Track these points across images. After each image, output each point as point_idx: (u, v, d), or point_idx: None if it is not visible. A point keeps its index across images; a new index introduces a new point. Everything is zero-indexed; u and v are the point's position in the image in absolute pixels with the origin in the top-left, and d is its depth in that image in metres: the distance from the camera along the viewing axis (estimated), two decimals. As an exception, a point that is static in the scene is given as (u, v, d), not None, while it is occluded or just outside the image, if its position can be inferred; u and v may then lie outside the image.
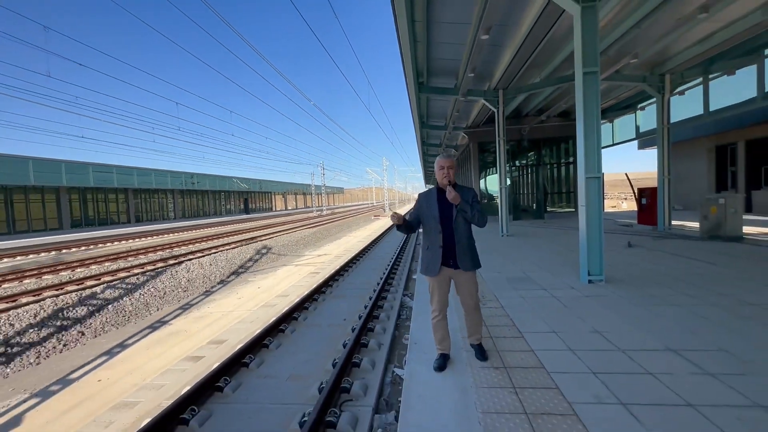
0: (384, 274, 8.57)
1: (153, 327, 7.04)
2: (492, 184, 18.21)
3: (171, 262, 12.24)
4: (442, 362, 3.23)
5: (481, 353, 3.23)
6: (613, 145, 17.19)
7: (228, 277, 11.53)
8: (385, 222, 32.49)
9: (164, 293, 9.23)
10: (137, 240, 19.55)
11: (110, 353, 5.79)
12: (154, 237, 21.11)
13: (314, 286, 8.24)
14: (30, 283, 9.38)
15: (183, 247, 16.56)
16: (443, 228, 3.06)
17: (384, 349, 4.70)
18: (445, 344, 3.28)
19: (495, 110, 10.62)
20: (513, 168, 17.33)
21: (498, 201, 12.82)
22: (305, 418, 3.27)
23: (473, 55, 8.26)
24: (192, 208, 39.75)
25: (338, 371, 3.85)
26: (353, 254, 12.50)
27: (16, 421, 3.97)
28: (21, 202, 23.24)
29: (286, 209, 67.24)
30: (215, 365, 4.53)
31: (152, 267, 11.35)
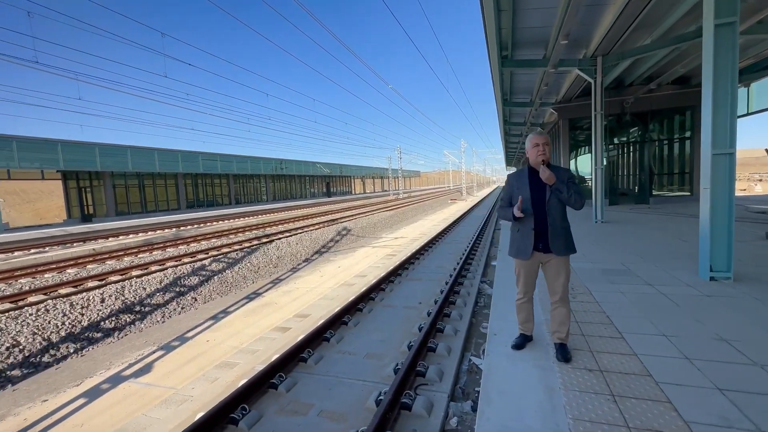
0: (461, 259, 8.33)
1: (249, 298, 7.88)
2: (584, 164, 16.34)
3: (264, 240, 13.51)
4: (522, 342, 3.13)
5: (563, 354, 2.93)
6: (748, 114, 14.05)
7: (312, 255, 12.33)
8: (462, 206, 31.57)
9: (258, 268, 10.25)
10: (236, 220, 21.95)
11: (215, 318, 6.64)
12: (250, 217, 23.52)
13: (391, 268, 8.36)
14: (157, 255, 11.14)
15: (273, 227, 18.14)
16: (535, 210, 2.87)
17: (460, 335, 4.57)
18: (528, 326, 3.15)
19: (591, 81, 9.37)
20: (611, 146, 15.30)
21: (591, 183, 11.46)
22: (381, 397, 3.34)
23: (567, 18, 7.31)
24: (281, 192, 43.32)
25: (414, 354, 3.85)
26: (429, 238, 12.38)
27: (148, 368, 4.78)
28: (149, 187, 27.72)
29: (364, 192, 69.41)
30: (300, 337, 4.88)
31: (249, 244, 12.67)
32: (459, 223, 17.11)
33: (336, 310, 5.60)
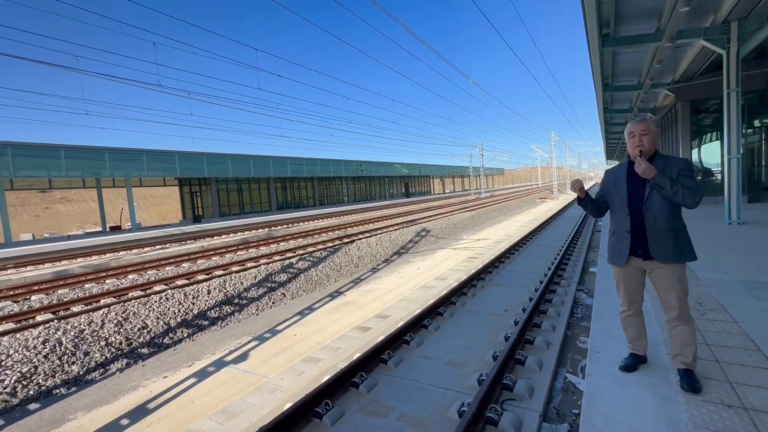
0: (553, 264, 7.67)
1: (332, 296, 8.31)
2: (710, 154, 13.82)
3: (345, 240, 14.15)
4: (632, 362, 2.73)
5: (689, 382, 2.47)
6: None
7: (391, 256, 12.53)
8: (553, 205, 29.25)
9: (340, 267, 10.76)
10: (320, 220, 23.38)
11: (302, 314, 7.13)
12: (333, 218, 24.85)
13: (473, 271, 8.07)
14: (252, 252, 12.39)
15: (354, 228, 18.91)
16: (631, 208, 2.53)
17: (553, 349, 4.18)
18: (639, 344, 2.73)
19: (723, 52, 7.86)
20: (750, 130, 12.68)
21: (721, 176, 9.56)
22: (464, 408, 3.21)
23: (690, -21, 6.23)
24: (361, 193, 45.03)
25: (500, 365, 3.63)
26: (515, 240, 11.69)
27: (245, 356, 5.32)
28: (246, 190, 31.09)
29: (443, 192, 68.61)
30: (380, 338, 4.97)
31: (331, 244, 13.38)
32: (550, 224, 15.86)
33: (416, 313, 5.58)
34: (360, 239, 14.09)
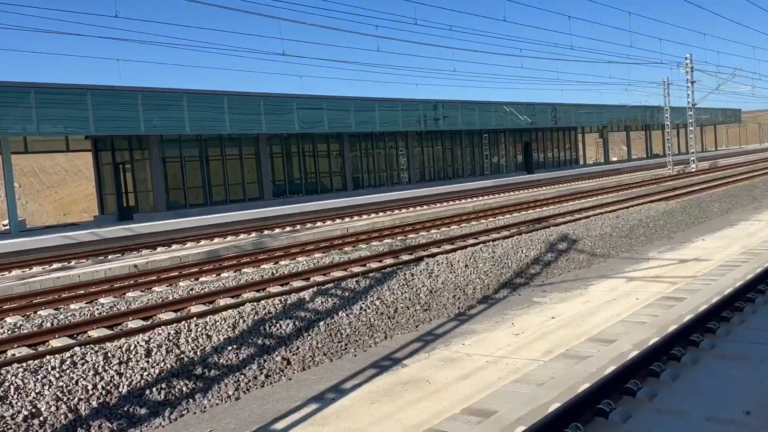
0: None
1: (378, 366, 8.32)
2: None
3: (404, 257, 14.21)
4: None
5: None
6: None
7: (496, 290, 12.39)
8: None
9: (395, 310, 10.80)
10: (355, 218, 23.81)
11: (322, 400, 7.22)
12: (378, 214, 25.10)
13: (672, 328, 7.73)
14: (228, 279, 12.88)
15: (421, 233, 18.94)
16: None
17: None
18: None
19: None
20: None
21: None
22: None
23: None
24: (435, 165, 45.04)
25: None
26: (767, 263, 11.02)
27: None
28: (216, 159, 32.52)
29: (606, 162, 66.67)
30: (477, 457, 4.85)
31: (377, 264, 13.52)
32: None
33: (551, 410, 5.39)
34: (432, 255, 14.16)
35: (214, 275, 13.91)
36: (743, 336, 7.27)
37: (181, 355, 8.43)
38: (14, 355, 8.13)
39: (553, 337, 8.50)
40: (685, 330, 7.18)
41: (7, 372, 7.46)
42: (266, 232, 21.70)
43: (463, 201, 29.52)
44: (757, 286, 9.40)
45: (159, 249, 18.56)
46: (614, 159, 74.38)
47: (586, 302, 10.62)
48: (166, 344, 8.58)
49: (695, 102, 42.25)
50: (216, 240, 20.18)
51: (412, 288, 11.89)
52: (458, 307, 11.40)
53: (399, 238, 18.25)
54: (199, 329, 9.13)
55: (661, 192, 27.14)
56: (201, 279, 13.51)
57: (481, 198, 29.90)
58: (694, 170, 41.17)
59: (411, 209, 26.97)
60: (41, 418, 6.81)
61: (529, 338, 8.61)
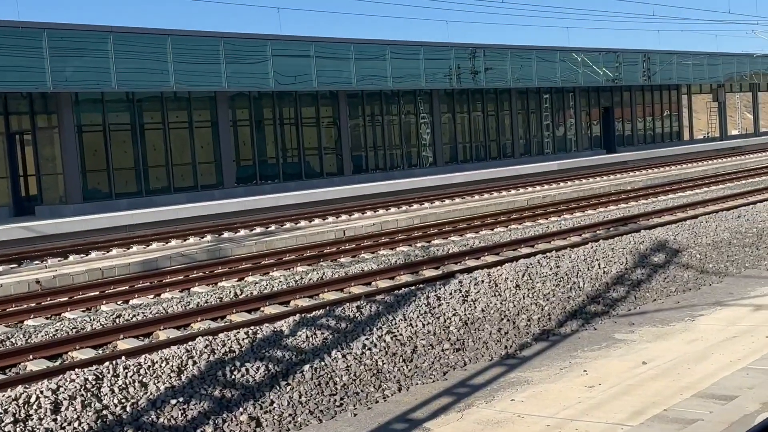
0: None
1: (390, 431, 8.32)
2: None
3: (426, 272, 14.15)
4: None
5: None
6: None
7: (561, 323, 12.38)
8: None
9: (413, 349, 10.79)
10: (356, 216, 23.75)
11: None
12: (391, 209, 25.01)
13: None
14: (170, 302, 12.93)
15: (450, 237, 18.86)
16: None
17: None
18: None
19: None
20: None
21: None
22: None
23: None
24: (469, 140, 44.85)
25: None
26: None
27: None
28: (154, 130, 32.56)
29: (721, 136, 66.14)
30: None
31: (384, 284, 13.45)
32: None
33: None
34: (469, 271, 14.14)
35: (152, 296, 13.88)
36: None
37: (104, 412, 8.42)
38: None
39: (645, 390, 8.45)
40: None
41: None
42: (227, 234, 21.69)
43: (514, 192, 29.40)
44: None
45: (72, 257, 18.58)
46: (734, 132, 73.89)
47: (693, 341, 10.56)
48: (82, 395, 8.58)
49: None
50: (154, 245, 20.19)
51: (439, 318, 11.85)
52: (505, 346, 11.33)
53: (419, 244, 18.19)
54: (129, 374, 9.12)
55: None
56: (132, 302, 13.48)
57: (539, 188, 29.82)
58: None
59: (437, 203, 26.87)
60: None
61: (609, 392, 8.56)
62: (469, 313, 12.19)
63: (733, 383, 8.32)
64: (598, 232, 18.39)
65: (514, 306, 12.73)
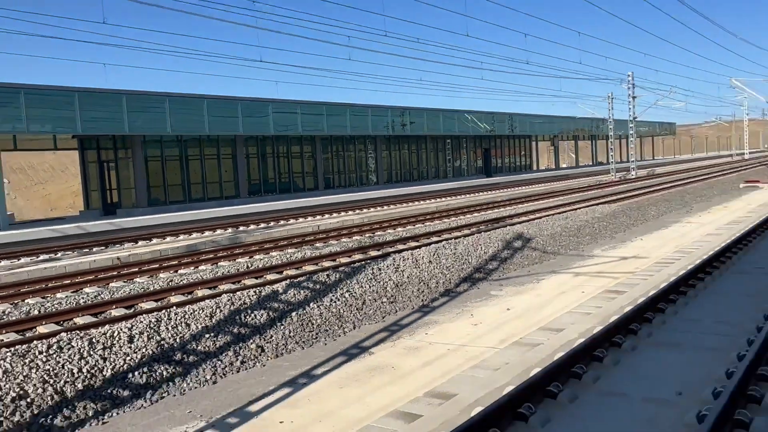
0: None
1: (348, 354, 8.37)
2: None
3: (372, 253, 14.24)
4: None
5: None
6: None
7: (457, 285, 12.50)
8: (773, 195, 28.09)
9: (363, 302, 10.84)
10: (326, 216, 23.75)
11: (294, 384, 7.24)
12: (349, 213, 25.10)
13: (613, 318, 7.91)
14: (205, 271, 12.79)
15: (388, 231, 19.01)
16: None
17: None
18: None
19: None
20: None
21: None
22: None
23: None
24: (401, 168, 45.14)
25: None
26: (697, 260, 11.33)
27: (193, 455, 5.48)
28: (195, 159, 32.14)
29: (556, 168, 67.63)
30: (438, 435, 4.94)
31: (347, 260, 13.53)
32: (766, 234, 15.23)
33: (506, 391, 5.50)
34: (398, 252, 14.22)
35: (192, 268, 13.76)
36: (676, 326, 7.48)
37: (162, 342, 8.37)
38: (2, 340, 7.98)
39: (508, 327, 8.61)
40: (626, 320, 7.36)
41: (-5, 356, 7.34)
42: (242, 228, 21.54)
43: (427, 201, 29.66)
44: (688, 281, 9.66)
45: (140, 243, 18.31)
46: (564, 165, 75.65)
47: (538, 295, 10.77)
48: (148, 331, 8.51)
49: (635, 115, 43.20)
50: (194, 235, 19.97)
51: (380, 282, 11.93)
52: (422, 300, 11.46)
53: (367, 235, 18.28)
54: (178, 318, 9.07)
55: (605, 196, 27.63)
56: (180, 271, 13.35)
57: (443, 199, 30.10)
58: (633, 177, 42.10)
59: (379, 209, 27.01)
60: (28, 400, 6.72)
61: (486, 328, 8.71)
62: (399, 279, 12.27)
63: (562, 321, 8.50)
64: (480, 227, 18.49)
65: (428, 274, 12.84)
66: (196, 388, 7.58)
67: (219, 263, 14.14)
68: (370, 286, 11.58)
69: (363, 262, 12.94)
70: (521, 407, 5.10)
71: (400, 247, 15.12)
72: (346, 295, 11.00)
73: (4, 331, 8.50)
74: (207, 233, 20.37)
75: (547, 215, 20.81)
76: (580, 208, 22.61)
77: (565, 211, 21.81)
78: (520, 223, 19.19)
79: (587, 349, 6.38)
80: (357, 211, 25.88)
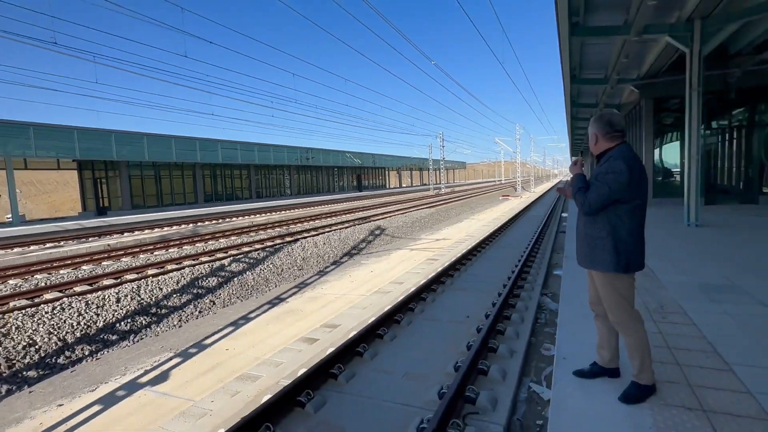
0: (516, 267, 8.08)
1: (272, 303, 8.08)
2: (670, 155, 15.36)
3: (287, 239, 13.84)
4: (587, 370, 2.96)
5: (625, 394, 2.65)
6: None
7: (341, 258, 12.48)
8: (516, 203, 30.77)
9: (281, 270, 10.51)
10: (258, 216, 22.63)
11: (235, 324, 6.86)
12: (272, 213, 24.18)
13: (432, 274, 8.28)
14: (173, 253, 11.71)
15: (298, 225, 18.56)
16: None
17: (517, 357, 4.41)
18: (601, 354, 2.91)
19: (686, 50, 8.74)
20: (708, 132, 14.26)
21: (680, 178, 10.67)
22: (423, 425, 3.28)
23: (657, -28, 6.86)
24: (306, 185, 44.22)
25: (462, 376, 3.76)
26: (477, 241, 12.15)
27: (165, 376, 5.01)
28: (166, 178, 29.31)
29: (400, 186, 69.63)
30: (329, 350, 4.93)
31: (271, 243, 13.02)
32: (513, 224, 16.68)
33: (370, 321, 5.60)
34: (305, 238, 13.88)
35: (164, 250, 12.53)
36: (465, 278, 7.97)
37: (141, 301, 7.58)
38: (15, 305, 6.80)
39: (372, 282, 8.76)
40: (438, 276, 7.77)
41: (9, 317, 6.25)
42: (199, 223, 19.96)
43: (322, 206, 29.29)
44: (473, 252, 10.38)
45: (125, 234, 16.36)
46: (404, 185, 77.80)
47: (389, 263, 10.97)
48: (131, 294, 7.67)
49: (444, 157, 45.87)
50: (165, 228, 18.19)
51: (292, 257, 11.65)
52: (319, 267, 11.35)
53: (284, 227, 17.70)
54: (153, 284, 8.26)
55: (427, 204, 28.80)
56: (155, 253, 12.09)
57: (332, 205, 29.87)
58: (443, 193, 44.34)
59: (292, 210, 26.23)
60: (37, 347, 5.79)
61: (358, 283, 8.81)
62: (305, 255, 12.03)
63: (405, 277, 8.74)
64: (355, 222, 18.42)
65: (323, 251, 12.68)
66: (166, 331, 6.95)
67: (183, 247, 12.99)
68: (286, 260, 11.27)
69: (281, 244, 12.54)
70: (379, 330, 5.22)
71: (306, 235, 14.81)
72: (270, 265, 10.63)
73: (17, 299, 7.25)
74: (174, 227, 18.64)
75: (395, 215, 21.07)
76: (413, 210, 23.21)
77: (405, 212, 22.28)
78: (379, 219, 19.31)
79: (417, 293, 6.65)
80: (278, 212, 24.99)
